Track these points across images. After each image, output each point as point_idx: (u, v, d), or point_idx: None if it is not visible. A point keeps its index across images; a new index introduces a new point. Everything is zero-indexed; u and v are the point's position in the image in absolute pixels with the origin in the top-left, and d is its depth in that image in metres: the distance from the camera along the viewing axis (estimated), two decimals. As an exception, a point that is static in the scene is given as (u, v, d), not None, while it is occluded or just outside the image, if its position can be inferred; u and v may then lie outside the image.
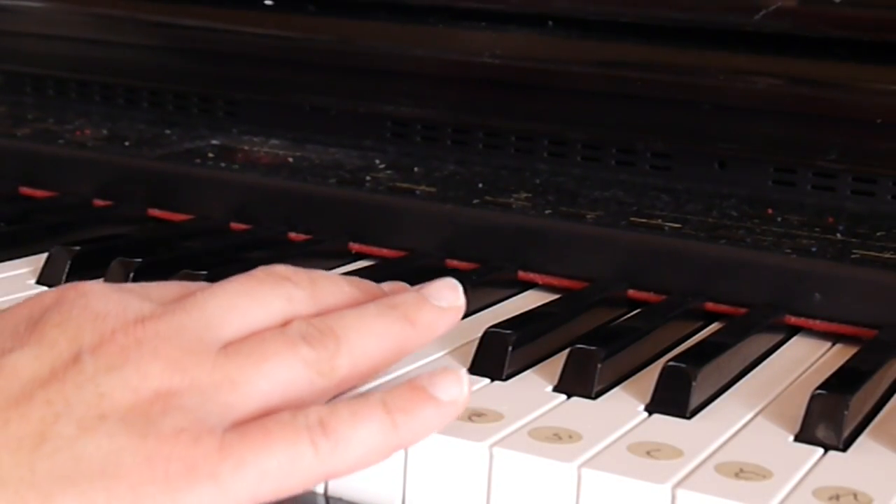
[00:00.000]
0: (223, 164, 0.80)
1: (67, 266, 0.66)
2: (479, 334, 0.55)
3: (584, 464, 0.45)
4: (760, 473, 0.45)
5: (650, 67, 0.78)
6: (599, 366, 0.52)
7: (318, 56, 0.90)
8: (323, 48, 0.89)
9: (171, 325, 0.41)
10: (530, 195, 0.73)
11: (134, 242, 0.72)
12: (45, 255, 0.67)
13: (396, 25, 0.86)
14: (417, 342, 0.47)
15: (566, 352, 0.54)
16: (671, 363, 0.52)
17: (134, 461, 0.37)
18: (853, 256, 0.62)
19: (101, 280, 0.44)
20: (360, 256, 0.72)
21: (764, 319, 0.61)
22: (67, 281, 0.65)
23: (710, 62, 0.76)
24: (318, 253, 0.71)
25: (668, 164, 0.79)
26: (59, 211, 0.79)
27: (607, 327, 0.60)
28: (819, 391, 0.49)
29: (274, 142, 0.88)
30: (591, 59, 0.81)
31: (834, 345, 0.61)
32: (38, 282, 0.66)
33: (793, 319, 0.62)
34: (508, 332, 0.54)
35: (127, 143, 0.86)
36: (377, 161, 0.82)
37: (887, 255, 0.63)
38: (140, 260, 0.64)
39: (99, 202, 0.80)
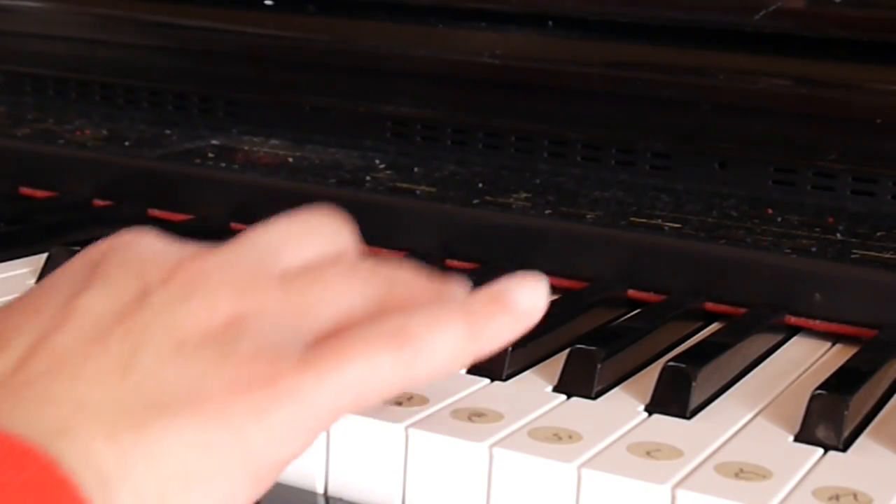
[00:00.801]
0: (223, 164, 0.80)
1: (67, 266, 0.65)
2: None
3: (584, 464, 0.45)
4: (760, 473, 0.45)
5: (650, 67, 0.78)
6: (599, 366, 0.52)
7: (318, 56, 0.90)
8: (323, 48, 0.89)
9: (230, 256, 0.42)
10: (530, 195, 0.73)
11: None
12: (45, 255, 0.67)
13: (396, 25, 0.86)
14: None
15: (566, 352, 0.54)
16: (671, 363, 0.52)
17: (217, 384, 0.37)
18: (853, 256, 0.62)
19: None
20: (360, 256, 0.72)
21: (764, 319, 0.61)
22: (67, 281, 0.65)
23: (710, 62, 0.76)
24: (318, 253, 0.71)
25: (668, 164, 0.79)
26: (59, 211, 0.79)
27: (607, 327, 0.60)
28: (819, 391, 0.49)
29: (274, 142, 0.88)
30: (591, 59, 0.81)
31: (834, 345, 0.61)
32: (38, 282, 0.66)
33: (793, 319, 0.62)
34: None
35: (127, 143, 0.86)
36: (377, 161, 0.82)
37: (887, 255, 0.63)
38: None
39: (99, 202, 0.80)
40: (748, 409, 0.52)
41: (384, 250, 0.71)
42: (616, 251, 0.66)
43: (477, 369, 0.54)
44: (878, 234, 0.67)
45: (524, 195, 0.73)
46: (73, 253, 0.65)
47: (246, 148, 0.86)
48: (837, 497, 0.43)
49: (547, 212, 0.70)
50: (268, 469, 0.38)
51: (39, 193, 0.82)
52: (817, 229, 0.67)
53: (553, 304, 0.63)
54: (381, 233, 0.71)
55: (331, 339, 0.40)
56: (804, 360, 0.59)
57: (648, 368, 0.56)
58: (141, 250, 0.42)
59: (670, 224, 0.68)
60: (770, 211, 0.71)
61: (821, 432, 0.48)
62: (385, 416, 0.48)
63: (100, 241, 0.44)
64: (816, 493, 0.43)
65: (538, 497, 0.45)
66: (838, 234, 0.67)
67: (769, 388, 0.54)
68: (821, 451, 0.47)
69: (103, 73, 0.99)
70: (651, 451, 0.46)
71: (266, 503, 0.39)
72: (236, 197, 0.77)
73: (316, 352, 0.39)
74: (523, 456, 0.45)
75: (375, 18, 0.87)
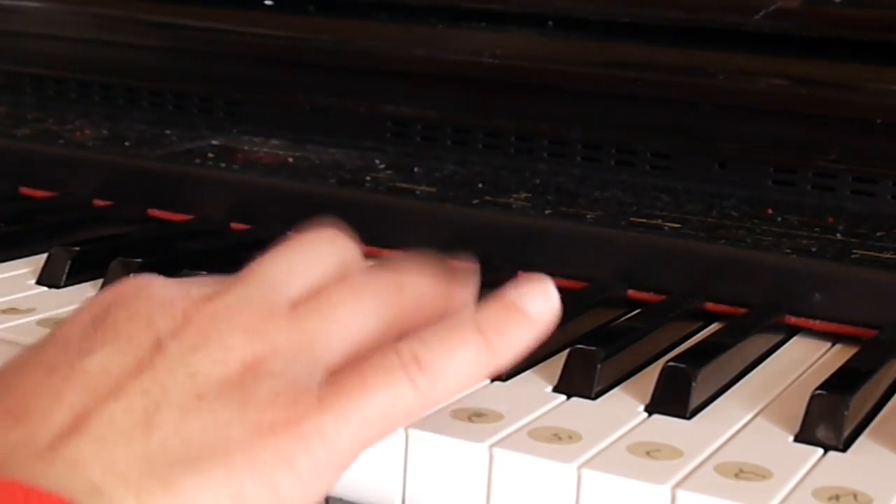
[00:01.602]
0: (223, 164, 0.80)
1: (67, 266, 0.66)
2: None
3: (584, 464, 0.45)
4: (760, 474, 0.45)
5: (650, 67, 0.78)
6: (599, 366, 0.52)
7: (318, 56, 0.90)
8: (323, 48, 0.89)
9: (237, 296, 0.42)
10: (530, 195, 0.73)
11: (134, 242, 0.72)
12: (45, 255, 0.67)
13: (396, 25, 0.86)
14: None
15: (566, 352, 0.54)
16: (671, 363, 0.52)
17: (241, 433, 0.37)
18: (853, 256, 0.62)
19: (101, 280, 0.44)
20: (360, 256, 0.72)
21: (764, 319, 0.61)
22: (67, 281, 0.65)
23: (710, 62, 0.76)
24: (318, 253, 0.71)
25: (668, 164, 0.79)
26: (59, 211, 0.79)
27: (607, 327, 0.60)
28: (819, 391, 0.49)
29: (274, 142, 0.88)
30: (591, 59, 0.81)
31: (834, 345, 0.61)
32: (38, 282, 0.66)
33: (793, 319, 0.62)
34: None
35: (127, 143, 0.86)
36: (377, 161, 0.82)
37: (887, 255, 0.63)
38: (140, 260, 0.64)
39: (99, 202, 0.80)
40: (748, 409, 0.52)
41: (384, 250, 0.71)
42: (616, 251, 0.66)
43: (477, 369, 0.54)
44: (878, 234, 0.67)
45: (524, 195, 0.73)
46: (73, 253, 0.66)
47: (246, 148, 0.86)
48: (837, 497, 0.43)
49: (547, 212, 0.70)
50: None
51: (39, 193, 0.82)
52: (817, 229, 0.67)
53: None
54: (381, 233, 0.71)
55: (348, 373, 0.40)
56: (804, 360, 0.59)
57: (648, 368, 0.56)
58: (147, 300, 0.42)
59: (670, 224, 0.68)
60: (770, 211, 0.71)
61: (821, 432, 0.48)
62: (385, 416, 0.48)
63: (104, 291, 0.44)
64: (816, 493, 0.43)
65: (538, 497, 0.45)
66: (838, 234, 0.67)
67: (769, 388, 0.54)
68: (821, 451, 0.47)
69: (103, 73, 0.99)
70: (651, 451, 0.46)
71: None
72: (236, 197, 0.77)
73: (335, 389, 0.39)
74: (523, 456, 0.45)
75: (375, 18, 0.87)
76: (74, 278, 0.66)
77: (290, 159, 0.82)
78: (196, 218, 0.77)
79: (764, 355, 0.59)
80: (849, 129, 0.73)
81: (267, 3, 0.92)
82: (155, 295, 0.42)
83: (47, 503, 0.34)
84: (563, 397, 0.52)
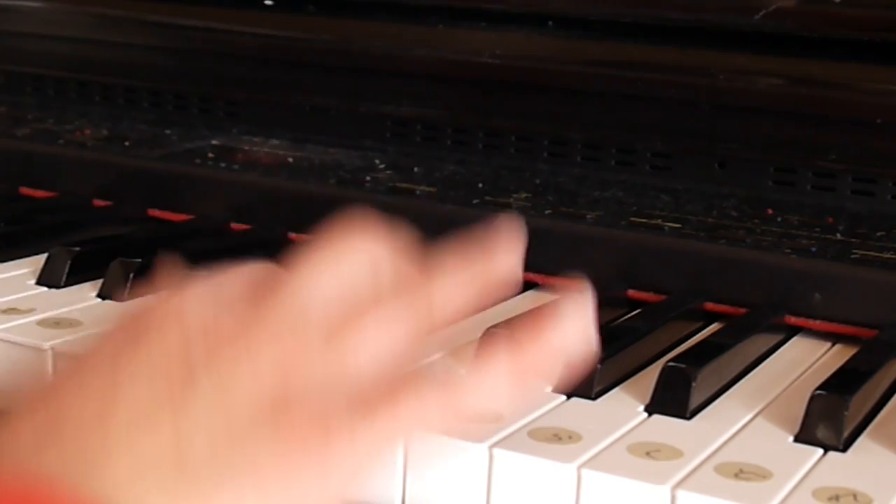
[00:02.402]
0: (223, 164, 0.80)
1: (67, 266, 0.66)
2: (479, 335, 0.55)
3: (584, 464, 0.45)
4: (760, 474, 0.45)
5: (650, 67, 0.78)
6: (599, 366, 0.52)
7: (318, 56, 0.90)
8: (323, 48, 0.89)
9: (269, 326, 0.42)
10: (530, 195, 0.73)
11: (134, 242, 0.72)
12: (45, 255, 0.67)
13: (396, 25, 0.86)
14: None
15: (566, 352, 0.54)
16: (671, 363, 0.52)
17: (273, 461, 0.38)
18: (853, 256, 0.62)
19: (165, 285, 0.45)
20: (360, 256, 0.72)
21: (764, 319, 0.61)
22: (67, 281, 0.65)
23: (710, 62, 0.76)
24: (318, 253, 0.71)
25: (668, 164, 0.79)
26: (59, 211, 0.79)
27: (607, 327, 0.60)
28: (819, 391, 0.49)
29: (274, 142, 0.88)
30: (591, 59, 0.81)
31: (834, 345, 0.61)
32: (38, 282, 0.66)
33: (793, 319, 0.62)
34: (508, 332, 0.54)
35: (127, 143, 0.86)
36: (377, 161, 0.82)
37: (887, 255, 0.63)
38: (140, 260, 0.64)
39: (99, 202, 0.80)
40: (748, 409, 0.52)
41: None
42: (616, 251, 0.66)
43: (477, 369, 0.54)
44: (878, 234, 0.67)
45: (524, 195, 0.73)
46: (73, 253, 0.66)
47: (246, 148, 0.86)
48: (837, 497, 0.43)
49: (547, 212, 0.70)
50: None
51: (39, 193, 0.82)
52: (817, 229, 0.67)
53: (552, 305, 0.63)
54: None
55: (378, 399, 0.41)
56: (804, 360, 0.59)
57: (648, 368, 0.56)
58: (180, 328, 0.42)
59: (670, 224, 0.68)
60: (770, 211, 0.71)
61: (821, 432, 0.48)
62: (385, 416, 0.48)
63: (132, 312, 0.44)
64: (816, 493, 0.43)
65: (538, 497, 0.45)
66: (838, 234, 0.67)
67: (769, 388, 0.54)
68: (821, 451, 0.47)
69: (103, 73, 0.99)
70: (651, 452, 0.46)
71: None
72: (236, 197, 0.77)
73: (366, 415, 0.40)
74: (523, 456, 0.45)
75: (375, 18, 0.87)
76: (74, 278, 0.66)
77: (290, 159, 0.82)
78: (196, 218, 0.77)
79: (764, 355, 0.59)
80: (849, 129, 0.73)
81: (267, 3, 0.92)
82: (187, 322, 0.42)
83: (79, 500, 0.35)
84: (563, 397, 0.52)
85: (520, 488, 0.45)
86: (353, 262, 0.46)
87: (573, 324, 0.44)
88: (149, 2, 0.97)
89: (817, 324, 0.62)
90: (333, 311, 0.44)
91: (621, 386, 0.54)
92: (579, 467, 0.44)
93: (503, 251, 0.48)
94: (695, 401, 0.51)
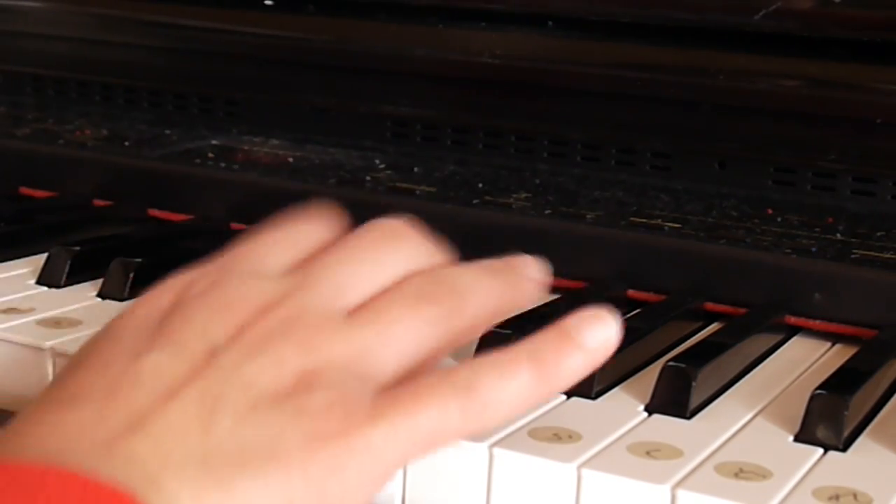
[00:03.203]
0: (223, 164, 0.80)
1: (67, 266, 0.65)
2: (479, 335, 0.55)
3: (584, 464, 0.45)
4: (760, 473, 0.45)
5: (650, 67, 0.78)
6: (599, 366, 0.52)
7: (318, 56, 0.90)
8: (323, 48, 0.89)
9: (294, 306, 0.42)
10: (530, 195, 0.73)
11: (134, 242, 0.72)
12: (45, 255, 0.67)
13: (396, 25, 0.86)
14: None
15: (566, 352, 0.54)
16: (671, 363, 0.52)
17: (295, 441, 0.38)
18: (853, 256, 0.62)
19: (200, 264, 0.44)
20: (360, 256, 0.72)
21: (764, 319, 0.61)
22: (67, 281, 0.65)
23: (710, 62, 0.76)
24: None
25: (668, 164, 0.79)
26: (59, 211, 0.79)
27: (607, 327, 0.60)
28: (819, 391, 0.49)
29: (274, 142, 0.88)
30: (591, 59, 0.81)
31: (834, 345, 0.61)
32: (38, 282, 0.66)
33: (793, 319, 0.62)
34: (508, 332, 0.54)
35: (127, 143, 0.86)
36: (377, 161, 0.82)
37: (887, 255, 0.63)
38: (140, 260, 0.64)
39: (99, 202, 0.80)
40: (748, 409, 0.52)
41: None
42: (616, 251, 0.66)
43: (477, 369, 0.54)
44: (878, 234, 0.67)
45: (524, 195, 0.73)
46: (73, 253, 0.66)
47: (246, 148, 0.86)
48: (837, 497, 0.43)
49: (547, 212, 0.70)
50: None
51: (39, 193, 0.82)
52: (817, 229, 0.67)
53: (553, 304, 0.63)
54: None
55: (401, 390, 0.40)
56: (804, 360, 0.59)
57: (648, 368, 0.56)
58: (203, 304, 0.42)
59: (670, 224, 0.68)
60: (770, 211, 0.71)
61: (821, 432, 0.48)
62: (385, 416, 0.48)
63: (160, 289, 0.44)
64: (816, 493, 0.43)
65: (538, 497, 0.45)
66: (838, 234, 0.67)
67: (769, 388, 0.54)
68: (821, 451, 0.47)
69: (103, 73, 0.99)
70: (651, 451, 0.46)
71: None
72: (236, 197, 0.77)
73: (387, 404, 0.40)
74: (523, 456, 0.45)
75: (375, 18, 0.87)
76: (74, 278, 0.66)
77: (290, 159, 0.82)
78: (196, 218, 0.77)
79: (764, 355, 0.59)
80: (849, 129, 0.73)
81: (267, 3, 0.92)
82: (211, 299, 0.42)
83: (104, 494, 0.35)
84: (563, 397, 0.52)
85: (520, 488, 0.45)
86: (385, 248, 0.45)
87: (595, 326, 0.44)
88: (149, 2, 0.97)
89: (817, 324, 0.62)
90: (359, 293, 0.43)
91: (621, 385, 0.54)
92: (579, 467, 0.44)
93: (531, 265, 0.48)
94: (695, 400, 0.51)
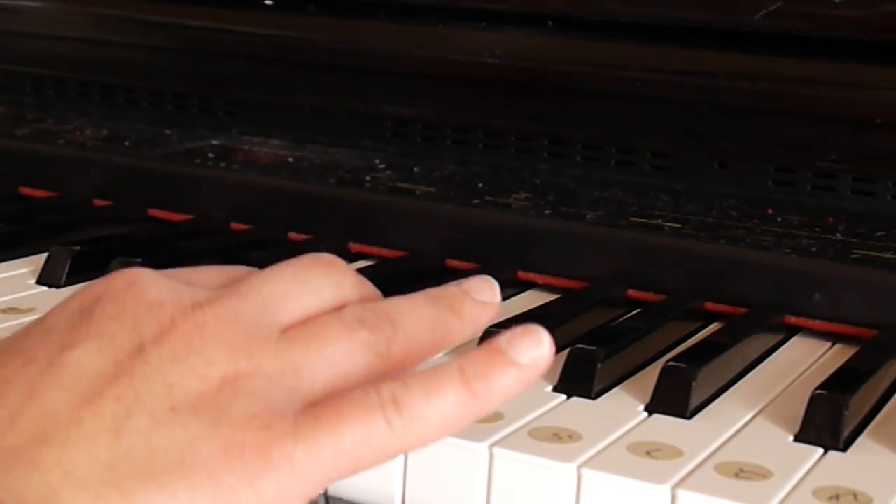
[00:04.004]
0: (223, 164, 0.80)
1: (67, 266, 0.66)
2: (479, 335, 0.55)
3: (584, 464, 0.45)
4: (760, 473, 0.45)
5: (650, 67, 0.78)
6: (599, 366, 0.52)
7: (318, 56, 0.90)
8: (323, 48, 0.89)
9: (228, 310, 0.41)
10: (530, 195, 0.73)
11: (134, 242, 0.72)
12: (45, 255, 0.67)
13: (396, 25, 0.86)
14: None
15: (566, 352, 0.54)
16: (671, 363, 0.52)
17: (209, 450, 0.37)
18: (853, 256, 0.62)
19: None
20: (359, 256, 0.72)
21: (764, 319, 0.61)
22: (67, 281, 0.65)
23: (710, 62, 0.76)
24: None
25: (668, 164, 0.79)
26: (59, 211, 0.79)
27: (607, 327, 0.60)
28: (819, 391, 0.49)
29: (274, 142, 0.88)
30: (591, 59, 0.81)
31: (834, 345, 0.61)
32: (38, 282, 0.66)
33: (793, 319, 0.62)
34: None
35: (127, 143, 0.86)
36: (377, 161, 0.82)
37: (887, 255, 0.63)
38: (140, 260, 0.64)
39: (99, 202, 0.80)
40: (748, 409, 0.52)
41: (384, 250, 0.71)
42: (616, 251, 0.66)
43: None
44: (878, 234, 0.67)
45: (524, 195, 0.73)
46: (73, 253, 0.66)
47: (246, 148, 0.86)
48: (837, 497, 0.43)
49: (547, 212, 0.70)
50: None
51: (39, 193, 0.82)
52: (817, 229, 0.67)
53: (553, 304, 0.63)
54: (381, 233, 0.71)
55: (325, 405, 0.39)
56: (804, 360, 0.59)
57: (648, 368, 0.56)
58: (136, 299, 0.41)
59: (670, 224, 0.68)
60: (770, 211, 0.71)
61: (821, 432, 0.48)
62: (385, 416, 0.48)
63: (96, 282, 0.43)
64: (816, 492, 0.43)
65: (538, 497, 0.45)
66: (838, 234, 0.67)
67: (769, 388, 0.54)
68: (821, 451, 0.47)
69: (103, 73, 0.99)
70: (651, 451, 0.46)
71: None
72: (236, 197, 0.77)
73: (311, 419, 0.39)
74: (523, 456, 0.45)
75: (375, 18, 0.87)
76: (74, 278, 0.66)
77: (290, 159, 0.82)
78: (196, 218, 0.77)
79: (764, 355, 0.59)
80: (849, 129, 0.73)
81: (267, 3, 0.92)
82: (144, 294, 0.41)
83: None
84: (564, 397, 0.52)
85: (520, 488, 0.45)
86: (321, 276, 0.45)
87: (527, 343, 0.43)
88: (149, 2, 0.97)
89: (817, 324, 0.62)
90: (294, 311, 0.43)
91: (621, 386, 0.54)
92: (579, 467, 0.45)
93: (483, 289, 0.46)
94: (695, 400, 0.51)
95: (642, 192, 0.75)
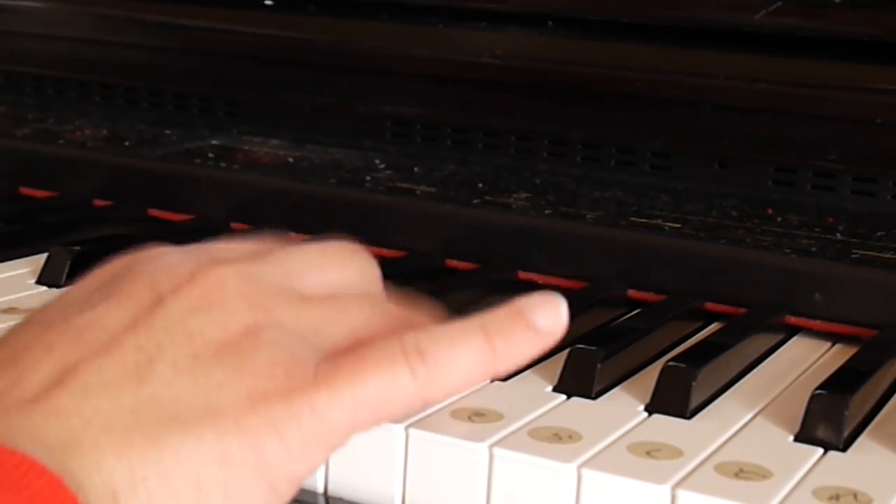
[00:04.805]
0: (223, 164, 0.80)
1: (67, 266, 0.66)
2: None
3: (584, 464, 0.45)
4: (760, 473, 0.45)
5: (650, 67, 0.78)
6: (599, 366, 0.52)
7: (318, 56, 0.90)
8: (323, 48, 0.89)
9: (251, 271, 0.41)
10: (530, 195, 0.73)
11: (134, 242, 0.71)
12: (45, 255, 0.67)
13: (396, 25, 0.86)
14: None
15: (566, 351, 0.54)
16: (671, 363, 0.52)
17: (233, 396, 0.37)
18: (853, 256, 0.62)
19: None
20: (360, 256, 0.72)
21: (764, 319, 0.61)
22: (67, 281, 0.65)
23: (710, 62, 0.76)
24: (318, 253, 0.71)
25: (668, 164, 0.79)
26: (59, 211, 0.79)
27: (607, 327, 0.60)
28: (819, 391, 0.49)
29: (274, 142, 0.88)
30: (591, 59, 0.81)
31: (834, 345, 0.61)
32: (38, 282, 0.66)
33: (793, 319, 0.62)
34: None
35: (127, 143, 0.86)
36: (377, 161, 0.82)
37: (887, 255, 0.63)
38: (140, 260, 0.64)
39: (99, 202, 0.80)
40: (748, 409, 0.52)
41: (384, 250, 0.71)
42: (616, 251, 0.66)
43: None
44: (878, 234, 0.67)
45: (524, 195, 0.73)
46: (73, 253, 0.66)
47: (246, 148, 0.86)
48: (837, 497, 0.43)
49: (547, 212, 0.70)
50: (284, 482, 0.38)
51: (39, 193, 0.82)
52: (817, 229, 0.67)
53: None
54: (381, 233, 0.71)
55: (348, 353, 0.39)
56: (804, 360, 0.59)
57: (648, 368, 0.56)
58: (155, 263, 0.41)
59: (670, 224, 0.68)
60: (770, 211, 0.71)
61: (821, 432, 0.48)
62: (385, 415, 0.48)
63: (114, 260, 0.43)
64: (816, 492, 0.43)
65: (538, 497, 0.45)
66: (838, 234, 0.67)
67: (769, 388, 0.54)
68: (821, 451, 0.47)
69: (103, 73, 0.99)
70: (651, 451, 0.46)
71: None
72: (236, 197, 0.77)
73: (332, 367, 0.39)
74: (523, 456, 0.45)
75: (375, 18, 0.87)
76: (74, 278, 0.65)
77: (290, 159, 0.82)
78: (196, 218, 0.77)
79: (764, 355, 0.59)
80: (849, 129, 0.73)
81: (267, 3, 0.92)
82: (164, 259, 0.41)
83: (13, 461, 0.33)
84: (563, 397, 0.52)
85: (520, 488, 0.45)
86: (347, 261, 0.45)
87: (546, 309, 0.43)
88: (149, 2, 0.97)
89: (817, 324, 0.62)
90: (316, 282, 0.43)
91: (621, 385, 0.54)
92: (579, 467, 0.44)
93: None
94: (695, 400, 0.51)
95: (642, 192, 0.75)
